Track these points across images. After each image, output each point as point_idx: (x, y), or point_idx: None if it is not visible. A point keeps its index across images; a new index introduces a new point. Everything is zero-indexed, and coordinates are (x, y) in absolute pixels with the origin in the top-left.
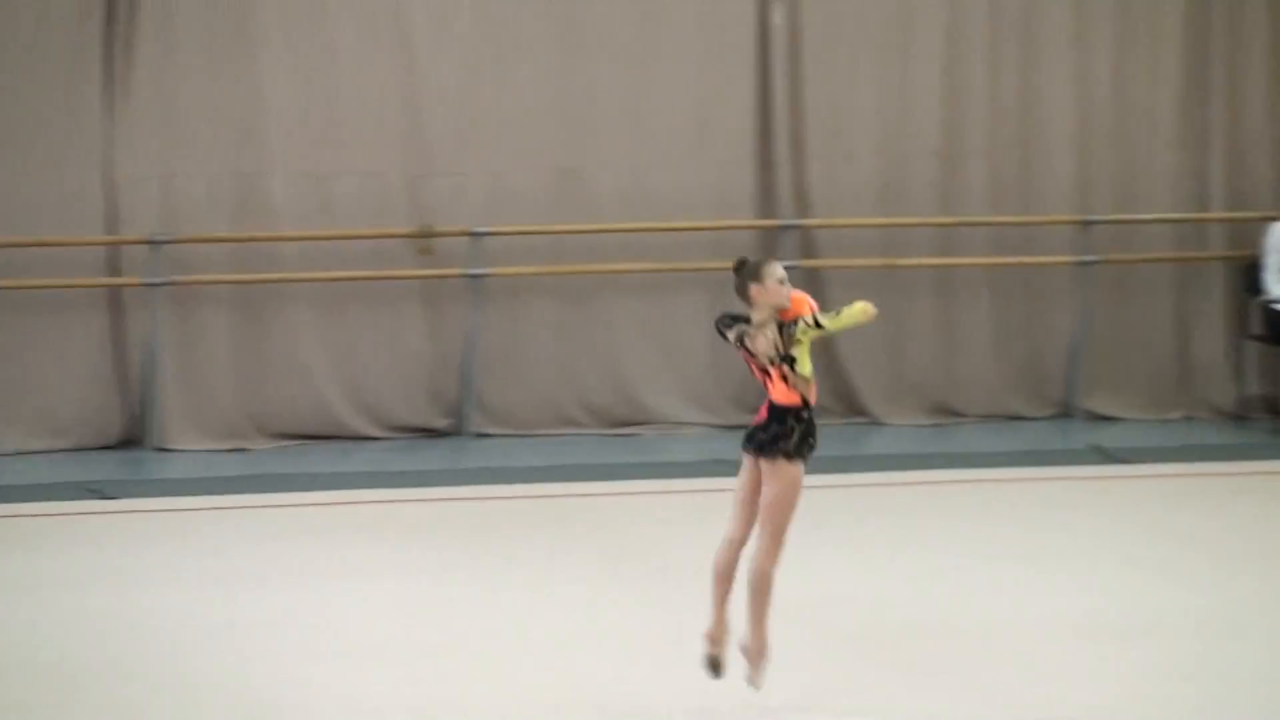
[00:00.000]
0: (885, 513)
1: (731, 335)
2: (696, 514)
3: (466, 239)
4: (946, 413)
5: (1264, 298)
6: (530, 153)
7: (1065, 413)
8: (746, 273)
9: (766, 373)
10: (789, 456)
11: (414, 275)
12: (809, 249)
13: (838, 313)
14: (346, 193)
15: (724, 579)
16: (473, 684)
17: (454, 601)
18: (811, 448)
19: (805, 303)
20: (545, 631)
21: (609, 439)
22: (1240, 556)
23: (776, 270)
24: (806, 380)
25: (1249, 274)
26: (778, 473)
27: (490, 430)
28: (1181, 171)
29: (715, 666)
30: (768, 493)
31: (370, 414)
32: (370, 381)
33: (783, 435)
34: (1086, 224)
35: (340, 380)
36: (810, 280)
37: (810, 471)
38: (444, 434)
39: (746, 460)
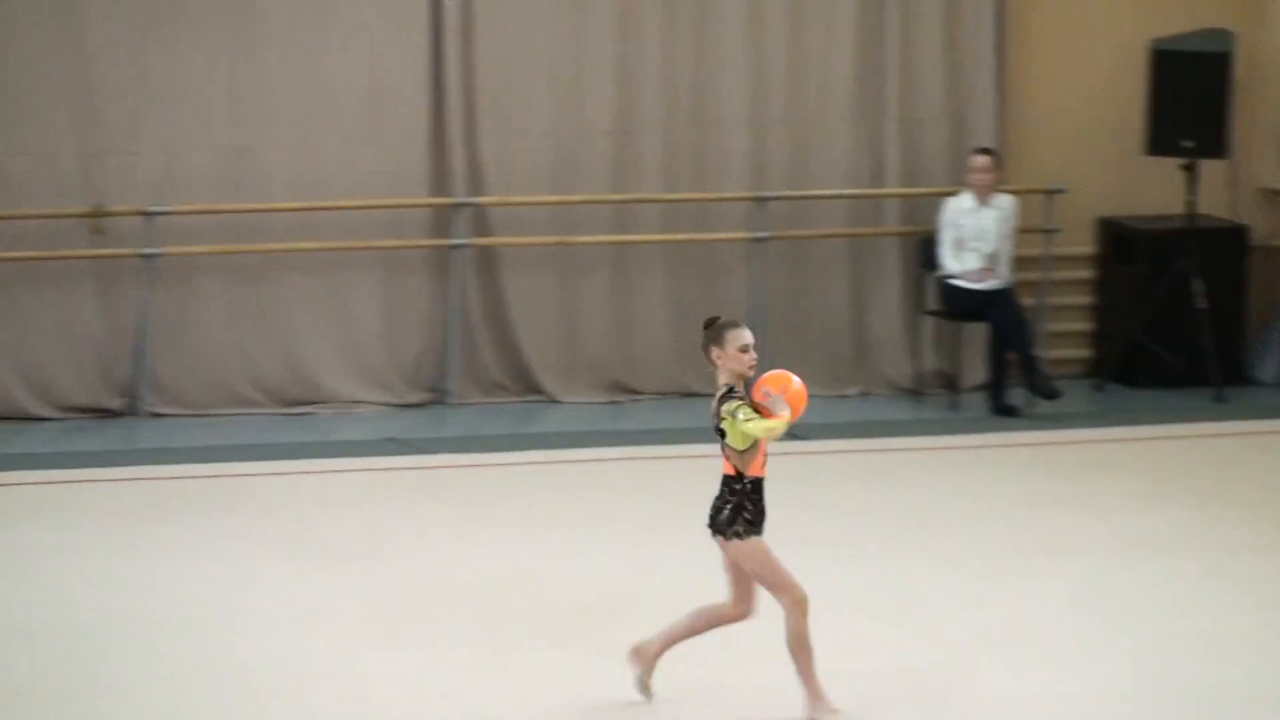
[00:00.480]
0: (560, 491)
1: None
2: (368, 494)
3: (140, 218)
4: (622, 390)
5: (939, 273)
6: (203, 131)
7: None
8: (710, 334)
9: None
10: (727, 536)
11: (87, 255)
12: (482, 227)
13: (753, 415)
14: (18, 172)
15: (695, 618)
16: (127, 662)
17: (118, 579)
18: (750, 522)
19: (780, 381)
20: (204, 609)
21: (282, 418)
22: (917, 530)
23: (741, 337)
24: (738, 452)
25: (924, 249)
26: (730, 553)
27: (164, 410)
28: (856, 147)
29: (644, 689)
30: (747, 570)
31: (42, 394)
32: (42, 361)
33: (718, 509)
34: (761, 200)
35: (11, 360)
36: (484, 259)
37: (482, 449)
38: (117, 414)
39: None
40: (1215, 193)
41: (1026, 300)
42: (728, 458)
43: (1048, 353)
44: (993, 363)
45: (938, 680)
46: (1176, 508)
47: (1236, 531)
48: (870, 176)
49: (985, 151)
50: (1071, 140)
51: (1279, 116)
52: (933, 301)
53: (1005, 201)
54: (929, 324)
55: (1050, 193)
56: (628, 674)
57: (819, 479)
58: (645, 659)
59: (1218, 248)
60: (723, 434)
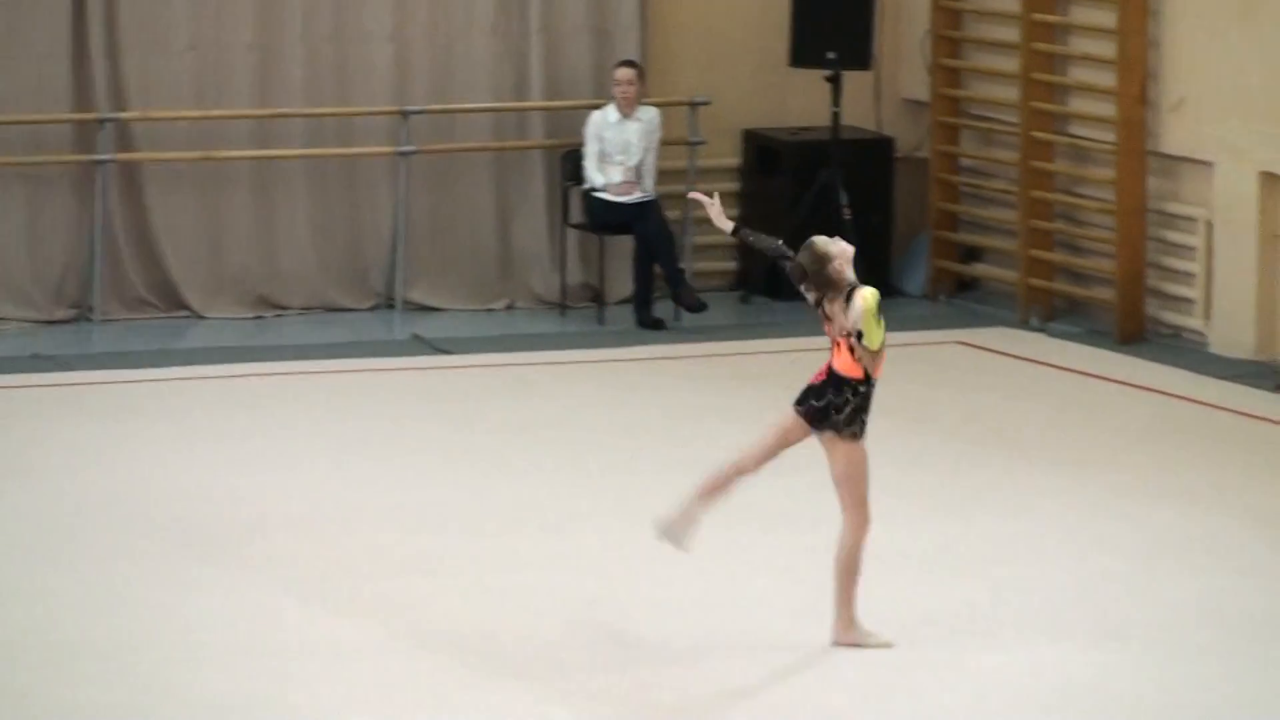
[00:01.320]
0: (205, 407)
1: (811, 299)
2: (13, 410)
3: None
4: (268, 305)
5: (585, 186)
6: None
7: (387, 304)
8: (815, 259)
9: (835, 340)
10: (842, 435)
11: None
12: (126, 143)
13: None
14: None
15: (711, 488)
16: None
17: None
18: (864, 424)
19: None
20: None
21: None
22: (565, 444)
23: (831, 243)
24: (873, 355)
25: (569, 162)
26: (837, 452)
27: None
28: (500, 61)
29: (676, 541)
30: (834, 470)
31: None
32: None
33: (835, 408)
34: (404, 114)
35: None
36: (127, 175)
37: (128, 366)
38: None
39: (791, 417)
40: (860, 104)
41: (671, 213)
42: (857, 360)
43: (693, 265)
44: (638, 276)
45: (590, 591)
46: None
47: (886, 442)
48: (514, 90)
49: (628, 64)
50: (716, 53)
51: (923, 28)
52: (578, 215)
53: (649, 114)
54: (575, 237)
55: (694, 105)
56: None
57: (466, 394)
58: (684, 521)
59: (863, 159)
60: (859, 337)
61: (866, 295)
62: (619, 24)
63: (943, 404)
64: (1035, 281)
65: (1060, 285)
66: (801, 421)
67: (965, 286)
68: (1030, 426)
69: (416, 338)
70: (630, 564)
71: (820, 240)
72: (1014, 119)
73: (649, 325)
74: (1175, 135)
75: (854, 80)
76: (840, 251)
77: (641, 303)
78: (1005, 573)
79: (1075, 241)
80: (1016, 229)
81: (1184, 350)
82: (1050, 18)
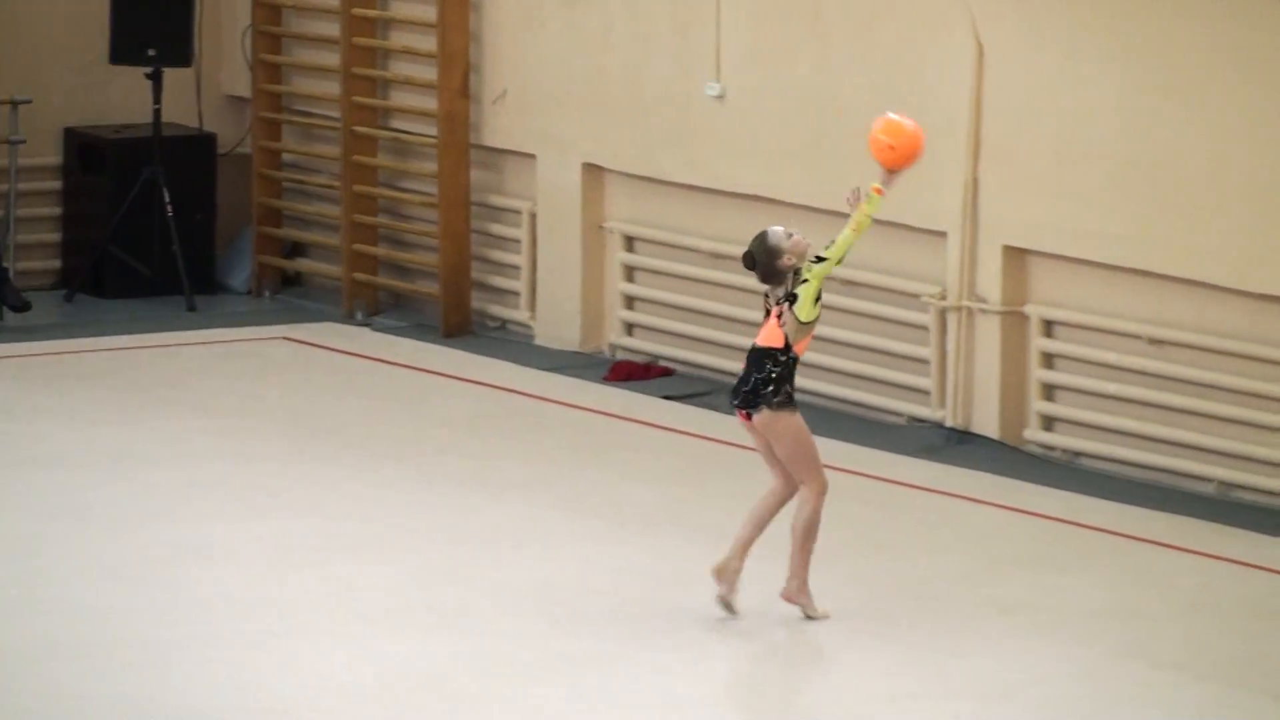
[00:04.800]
0: None
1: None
2: None
3: None
4: None
5: None
6: None
7: None
8: (767, 252)
9: (766, 316)
10: (773, 407)
11: None
12: None
13: (831, 242)
14: None
15: (755, 523)
16: None
17: None
18: (789, 393)
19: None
20: None
21: None
22: None
23: (782, 234)
24: (799, 323)
25: None
26: (776, 429)
27: None
28: None
29: (728, 607)
30: (780, 451)
31: None
32: None
33: (761, 382)
34: None
35: None
36: None
37: None
38: None
39: (743, 423)
40: (182, 101)
41: None
42: (781, 326)
43: (16, 265)
44: None
45: None
46: (156, 418)
47: (216, 440)
48: None
49: None
50: (36, 50)
51: (244, 24)
52: None
53: None
54: None
55: (15, 104)
56: (711, 591)
57: None
58: (728, 575)
59: (186, 156)
60: (792, 300)
61: (817, 271)
62: None
63: (270, 400)
64: (360, 276)
65: (385, 280)
66: (743, 416)
67: (290, 282)
68: (358, 421)
69: None
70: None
71: (774, 233)
72: (336, 114)
73: None
74: (498, 128)
75: (176, 77)
76: (793, 246)
77: None
78: (339, 570)
79: (400, 236)
80: (340, 224)
81: (510, 343)
82: (371, 12)
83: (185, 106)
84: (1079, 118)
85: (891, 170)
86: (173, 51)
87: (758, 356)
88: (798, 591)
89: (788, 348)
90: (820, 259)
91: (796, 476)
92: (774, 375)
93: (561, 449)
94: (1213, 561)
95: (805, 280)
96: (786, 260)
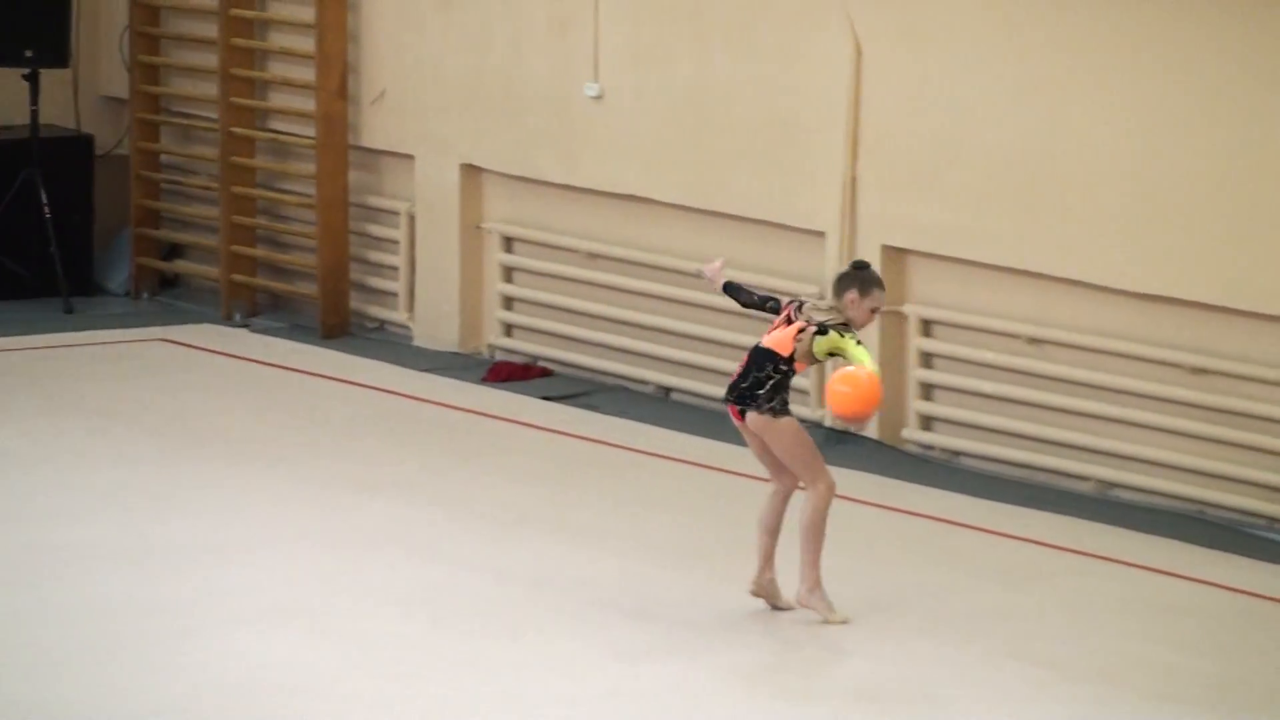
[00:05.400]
0: None
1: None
2: None
3: None
4: None
5: None
6: None
7: None
8: (858, 281)
9: (788, 321)
10: (763, 412)
11: None
12: None
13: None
14: None
15: (768, 531)
16: None
17: None
18: (784, 401)
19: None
20: None
21: None
22: None
23: (881, 299)
24: (808, 352)
25: None
26: (771, 432)
27: None
28: None
29: (784, 609)
30: (779, 451)
31: None
32: None
33: (758, 383)
34: None
35: None
36: None
37: None
38: None
39: (735, 421)
40: (60, 102)
41: None
42: (792, 338)
43: None
44: None
45: None
46: (32, 419)
47: (92, 441)
48: None
49: None
50: None
51: (122, 24)
52: None
53: None
54: None
55: None
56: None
57: None
58: (765, 589)
59: (63, 158)
60: (823, 331)
61: (846, 345)
62: None
63: (147, 403)
64: (238, 277)
65: (263, 281)
66: (736, 414)
67: (168, 284)
68: (235, 423)
69: None
70: None
71: (879, 294)
72: (214, 115)
73: None
74: (376, 129)
75: (53, 78)
76: (867, 318)
77: None
78: (214, 572)
79: (278, 237)
80: (219, 225)
81: (389, 344)
82: (249, 13)
83: (63, 108)
84: (957, 117)
85: (846, 418)
86: (50, 52)
87: (760, 356)
88: (808, 594)
89: (792, 359)
90: (855, 339)
91: (800, 478)
92: (773, 380)
93: (440, 450)
94: (1092, 560)
95: (841, 335)
96: (857, 311)
